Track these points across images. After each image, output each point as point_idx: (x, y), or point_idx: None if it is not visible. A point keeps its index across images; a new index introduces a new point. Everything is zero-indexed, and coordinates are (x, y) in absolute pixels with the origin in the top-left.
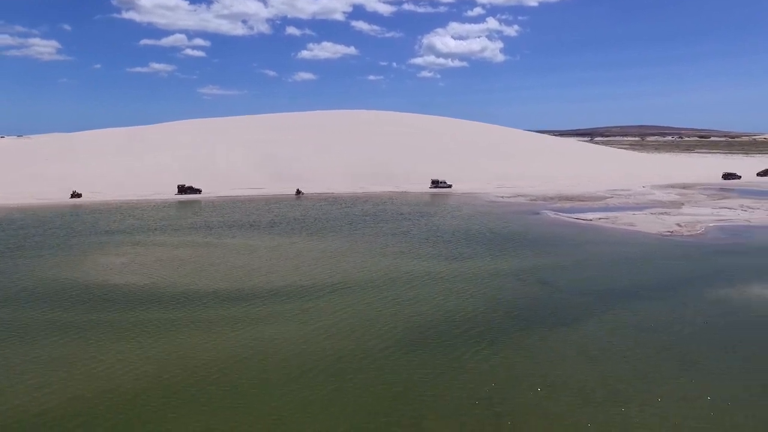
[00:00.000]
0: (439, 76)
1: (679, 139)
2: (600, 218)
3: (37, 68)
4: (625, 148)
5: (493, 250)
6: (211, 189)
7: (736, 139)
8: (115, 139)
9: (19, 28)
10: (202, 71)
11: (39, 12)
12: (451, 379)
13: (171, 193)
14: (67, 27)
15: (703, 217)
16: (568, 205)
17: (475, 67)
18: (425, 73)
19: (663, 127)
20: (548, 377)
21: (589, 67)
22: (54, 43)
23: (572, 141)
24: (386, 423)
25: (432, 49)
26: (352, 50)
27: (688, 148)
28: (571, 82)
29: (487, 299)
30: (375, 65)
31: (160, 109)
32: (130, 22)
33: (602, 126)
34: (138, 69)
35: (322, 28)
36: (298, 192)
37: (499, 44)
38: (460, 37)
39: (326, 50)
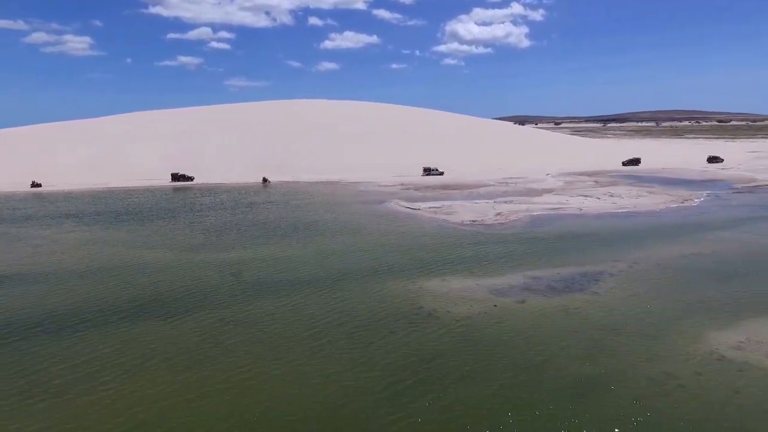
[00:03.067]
0: (463, 63)
1: (696, 124)
2: (431, 207)
3: (71, 64)
4: (619, 135)
5: (251, 239)
6: (117, 181)
7: (756, 123)
8: (57, 132)
9: (55, 26)
10: (228, 63)
11: (72, 9)
12: None
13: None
14: (98, 23)
15: (541, 206)
16: (432, 194)
17: (500, 53)
18: (449, 61)
19: (695, 111)
20: None
21: (618, 50)
22: (87, 39)
23: (527, 128)
24: None
25: (455, 36)
26: (374, 39)
27: (677, 133)
28: (599, 66)
29: (128, 292)
30: (398, 54)
31: (187, 102)
32: (157, 17)
33: (630, 111)
34: (166, 62)
35: (344, 17)
36: (265, 180)
37: (524, 29)
38: (484, 23)
39: (348, 40)
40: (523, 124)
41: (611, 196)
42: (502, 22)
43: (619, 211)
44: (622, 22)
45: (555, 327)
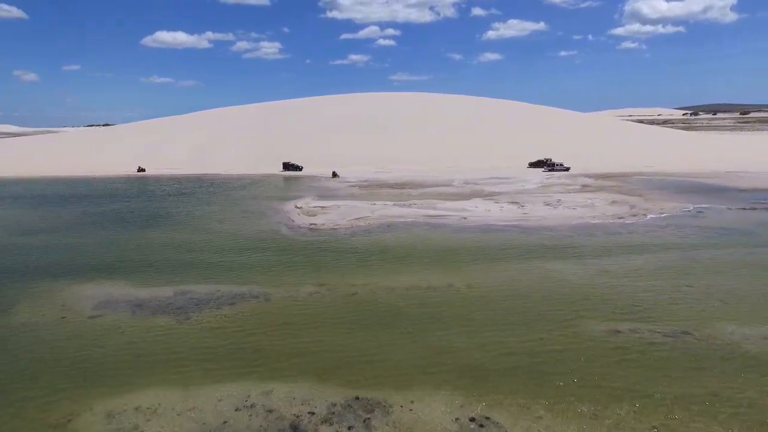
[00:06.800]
0: (644, 46)
1: None
2: (317, 207)
3: (265, 66)
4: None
5: (79, 226)
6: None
7: None
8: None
9: (254, 35)
10: (393, 59)
11: (267, 18)
12: None
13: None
14: (286, 30)
15: (431, 211)
16: (363, 192)
17: (694, 31)
18: (627, 44)
19: None
20: None
21: None
22: (277, 45)
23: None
24: None
25: (636, 16)
26: (540, 26)
27: None
28: None
29: None
30: (567, 40)
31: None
32: (333, 20)
33: None
34: (339, 61)
35: (509, 5)
36: (334, 174)
37: (730, 0)
38: None
39: (512, 28)
40: (696, 115)
41: (547, 204)
42: None
43: (509, 223)
44: None
45: (26, 350)
